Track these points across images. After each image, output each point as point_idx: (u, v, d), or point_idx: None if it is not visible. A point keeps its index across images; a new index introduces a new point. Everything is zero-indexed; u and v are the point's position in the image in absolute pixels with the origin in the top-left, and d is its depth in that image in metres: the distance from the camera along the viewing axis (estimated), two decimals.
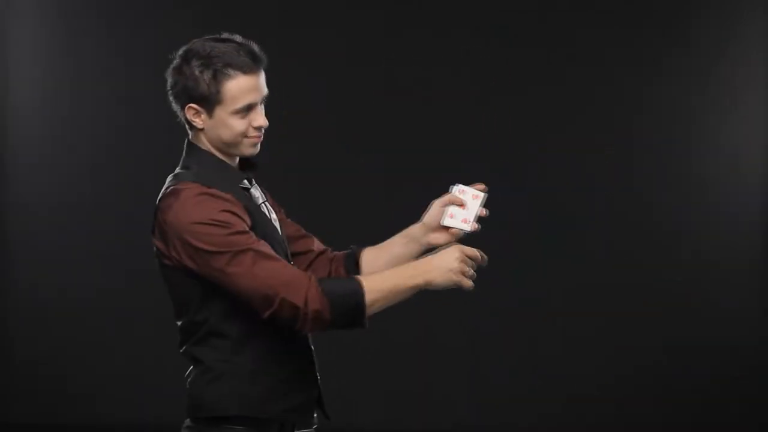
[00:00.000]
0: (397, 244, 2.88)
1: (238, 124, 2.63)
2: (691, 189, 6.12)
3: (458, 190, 2.81)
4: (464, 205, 2.80)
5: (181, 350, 2.72)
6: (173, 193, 2.60)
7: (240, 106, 2.62)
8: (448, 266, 2.59)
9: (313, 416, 2.75)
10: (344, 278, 2.63)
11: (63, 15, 6.28)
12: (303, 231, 2.92)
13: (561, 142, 6.12)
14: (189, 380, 2.71)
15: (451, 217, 2.80)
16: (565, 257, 6.13)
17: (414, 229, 2.87)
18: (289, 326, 2.56)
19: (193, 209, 2.55)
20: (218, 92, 2.60)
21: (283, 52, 6.18)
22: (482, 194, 2.80)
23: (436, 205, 2.84)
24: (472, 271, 2.62)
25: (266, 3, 6.25)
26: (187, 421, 2.71)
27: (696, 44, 6.12)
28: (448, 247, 2.65)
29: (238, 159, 2.73)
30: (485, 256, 2.64)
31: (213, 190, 2.58)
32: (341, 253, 2.95)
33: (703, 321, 6.09)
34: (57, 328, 6.23)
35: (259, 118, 2.65)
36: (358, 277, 2.61)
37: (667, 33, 6.13)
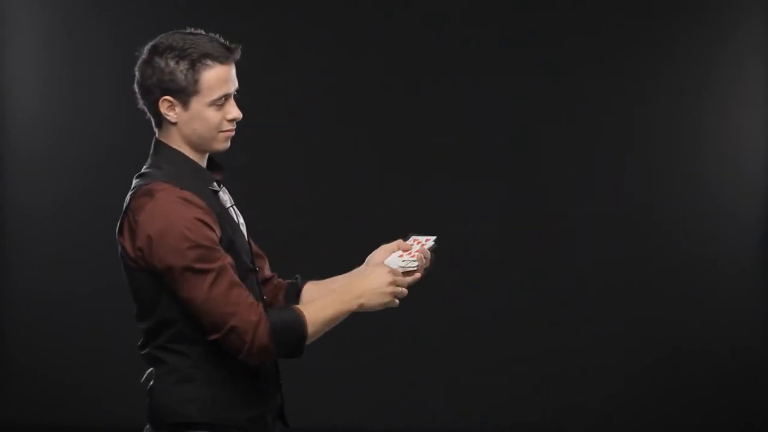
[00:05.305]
0: (339, 282, 2.85)
1: (214, 117, 2.63)
2: (691, 189, 6.10)
3: (411, 239, 2.82)
4: (411, 252, 2.79)
5: (143, 351, 2.71)
6: (147, 193, 2.57)
7: (217, 97, 2.62)
8: (380, 289, 2.64)
9: (274, 425, 2.73)
10: (287, 309, 2.63)
11: (64, 15, 6.28)
12: (257, 248, 2.89)
13: (560, 142, 6.11)
14: (150, 384, 2.69)
15: (397, 258, 2.78)
16: (564, 257, 6.12)
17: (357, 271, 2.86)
18: (231, 353, 2.55)
19: (167, 213, 2.53)
20: (196, 82, 2.61)
21: (282, 50, 6.18)
22: (432, 242, 2.80)
23: (383, 248, 2.84)
24: (402, 289, 2.66)
25: (266, 3, 6.25)
26: (148, 428, 2.69)
27: (696, 44, 6.11)
28: (376, 264, 2.70)
29: (206, 160, 2.71)
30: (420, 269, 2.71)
31: (187, 194, 2.56)
32: (285, 281, 2.94)
33: (703, 321, 6.08)
34: (56, 327, 6.23)
35: (234, 110, 2.66)
36: (299, 308, 2.61)
37: (666, 32, 6.12)
